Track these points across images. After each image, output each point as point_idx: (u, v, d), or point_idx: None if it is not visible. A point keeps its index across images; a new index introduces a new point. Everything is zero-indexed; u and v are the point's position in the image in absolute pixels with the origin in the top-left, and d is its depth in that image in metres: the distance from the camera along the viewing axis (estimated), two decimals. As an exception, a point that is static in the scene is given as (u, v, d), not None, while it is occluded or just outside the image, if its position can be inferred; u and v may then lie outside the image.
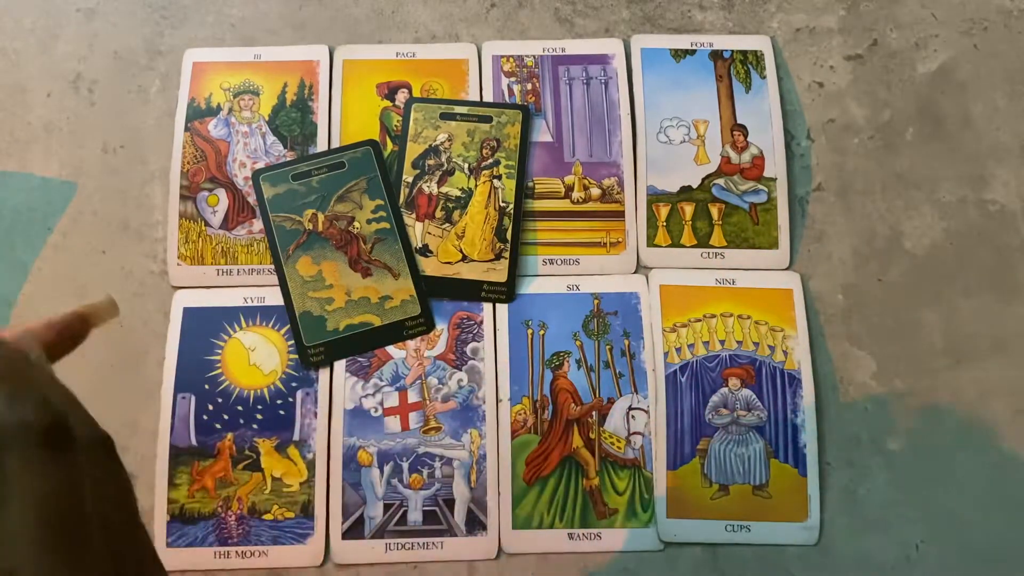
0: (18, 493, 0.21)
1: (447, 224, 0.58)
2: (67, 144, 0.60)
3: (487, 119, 0.59)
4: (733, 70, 0.61)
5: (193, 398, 0.54)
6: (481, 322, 0.56)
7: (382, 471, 0.53)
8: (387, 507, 0.53)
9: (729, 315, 0.56)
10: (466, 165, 0.59)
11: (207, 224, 0.58)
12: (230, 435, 0.54)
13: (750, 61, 0.61)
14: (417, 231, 0.58)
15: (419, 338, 0.56)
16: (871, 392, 0.55)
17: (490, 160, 0.59)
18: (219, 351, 0.55)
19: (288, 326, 0.55)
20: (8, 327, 0.27)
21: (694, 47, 0.62)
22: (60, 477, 0.22)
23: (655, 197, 0.59)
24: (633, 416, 0.55)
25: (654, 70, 0.61)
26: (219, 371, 0.55)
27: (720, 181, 0.59)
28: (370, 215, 0.57)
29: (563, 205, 0.59)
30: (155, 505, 0.53)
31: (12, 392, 0.22)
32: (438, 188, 0.58)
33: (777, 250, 0.58)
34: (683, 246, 0.58)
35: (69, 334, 0.29)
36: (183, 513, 0.53)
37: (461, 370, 0.55)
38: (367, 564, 0.52)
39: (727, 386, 0.55)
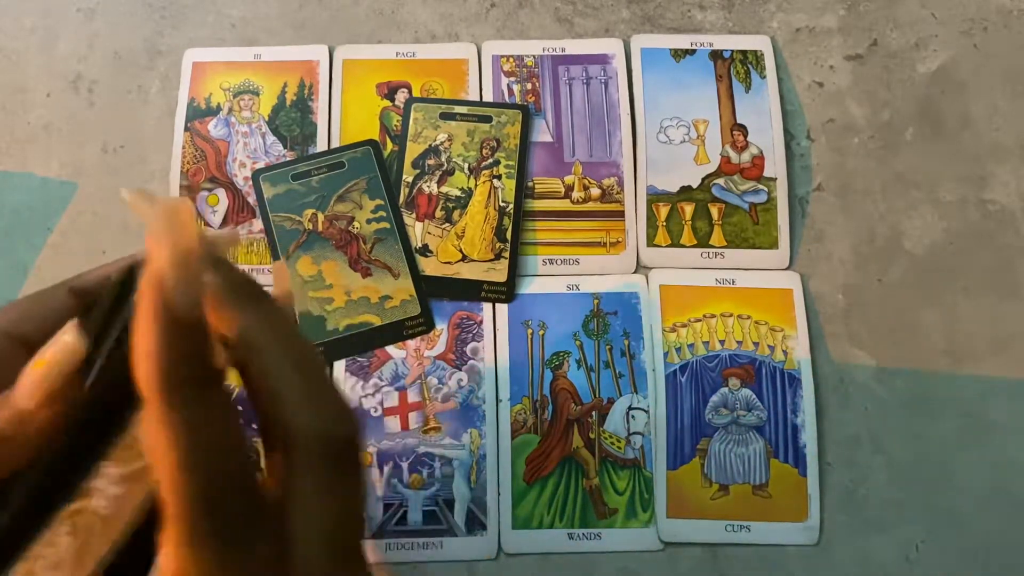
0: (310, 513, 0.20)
1: (447, 224, 0.58)
2: (67, 144, 0.60)
3: (487, 119, 0.59)
4: (733, 70, 0.61)
5: (193, 398, 0.54)
6: (481, 322, 0.56)
7: (382, 471, 0.53)
8: (387, 507, 0.53)
9: (729, 315, 0.56)
10: (466, 165, 0.59)
11: (207, 224, 0.58)
12: (230, 435, 0.54)
13: (750, 61, 0.61)
14: (417, 231, 0.58)
15: (419, 338, 0.56)
16: (871, 392, 0.55)
17: (490, 160, 0.59)
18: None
19: (288, 326, 0.55)
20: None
21: (694, 47, 0.62)
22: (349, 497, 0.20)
23: (655, 197, 0.59)
24: (633, 416, 0.55)
25: (654, 70, 0.61)
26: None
27: (720, 181, 0.59)
28: (370, 215, 0.57)
29: (563, 205, 0.59)
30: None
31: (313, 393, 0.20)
32: (438, 188, 0.58)
33: (777, 250, 0.58)
34: (683, 246, 0.58)
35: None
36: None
37: (461, 370, 0.55)
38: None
39: (727, 386, 0.55)
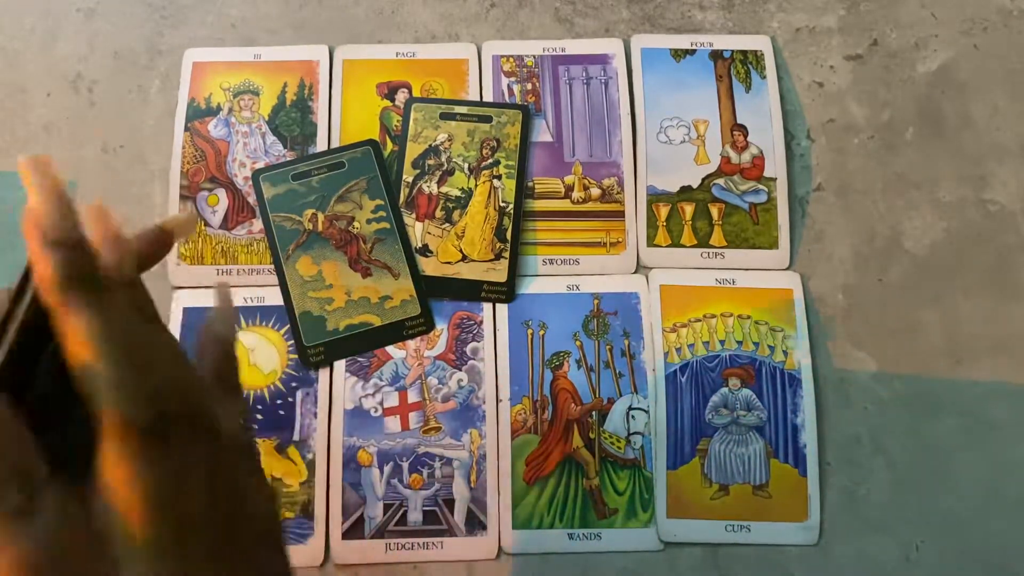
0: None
1: (447, 224, 0.58)
2: (67, 144, 0.60)
3: (487, 119, 0.59)
4: (733, 70, 0.61)
5: (193, 398, 0.54)
6: (481, 322, 0.56)
7: (382, 471, 0.53)
8: (387, 507, 0.53)
9: (729, 315, 0.56)
10: (466, 165, 0.59)
11: (207, 224, 0.58)
12: (230, 435, 0.54)
13: (750, 61, 0.61)
14: (417, 231, 0.58)
15: (419, 338, 0.56)
16: (871, 392, 0.55)
17: (490, 160, 0.59)
18: (219, 351, 0.55)
19: (288, 326, 0.55)
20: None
21: (694, 47, 0.62)
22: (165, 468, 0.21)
23: (655, 197, 0.59)
24: (633, 416, 0.55)
25: (654, 70, 0.61)
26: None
27: (720, 181, 0.59)
28: (370, 215, 0.57)
29: (563, 205, 0.59)
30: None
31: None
32: (438, 188, 0.58)
33: (777, 250, 0.58)
34: (683, 246, 0.58)
35: (157, 247, 0.27)
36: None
37: (461, 370, 0.55)
38: (367, 564, 0.52)
39: (727, 386, 0.55)
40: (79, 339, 0.21)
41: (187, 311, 0.56)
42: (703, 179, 0.59)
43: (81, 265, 0.21)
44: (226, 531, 0.23)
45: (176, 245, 0.57)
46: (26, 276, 0.23)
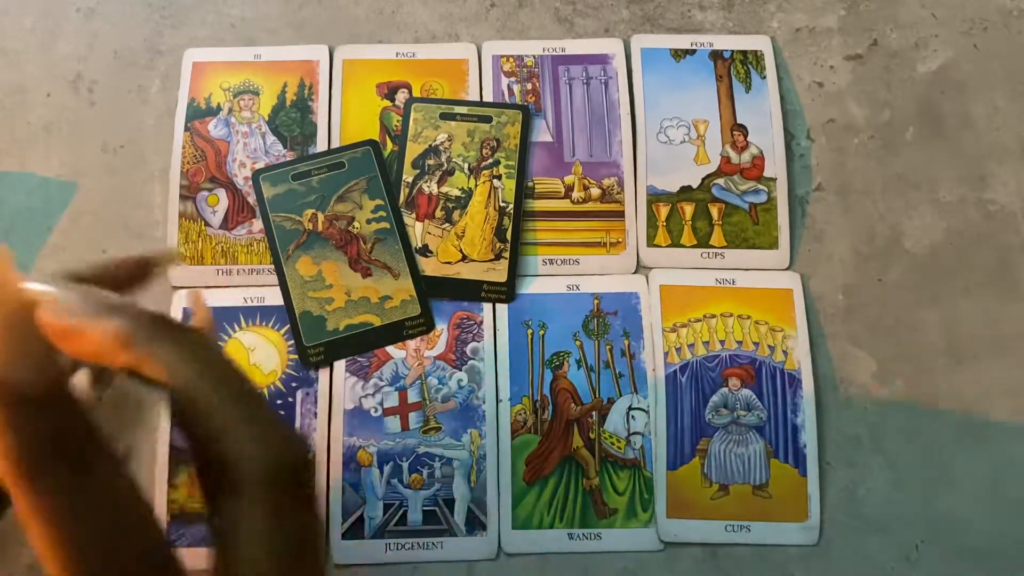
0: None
1: (447, 224, 0.58)
2: (67, 144, 0.60)
3: (487, 119, 0.59)
4: (733, 70, 0.61)
5: (193, 398, 0.54)
6: (481, 322, 0.56)
7: (382, 471, 0.53)
8: (387, 507, 0.53)
9: (729, 315, 0.56)
10: (466, 165, 0.59)
11: (207, 224, 0.58)
12: (230, 435, 0.54)
13: (750, 61, 0.61)
14: (417, 231, 0.58)
15: (419, 338, 0.56)
16: (871, 392, 0.55)
17: (490, 160, 0.59)
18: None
19: (288, 326, 0.55)
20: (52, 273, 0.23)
21: (694, 47, 0.62)
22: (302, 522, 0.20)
23: (655, 197, 0.59)
24: (633, 416, 0.55)
25: (654, 70, 0.61)
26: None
27: (720, 181, 0.59)
28: (370, 215, 0.57)
29: (563, 205, 0.59)
30: (155, 505, 0.52)
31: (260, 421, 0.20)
32: (438, 188, 0.58)
33: (777, 250, 0.58)
34: (683, 246, 0.58)
35: (138, 277, 0.26)
36: (183, 513, 0.53)
37: (461, 370, 0.55)
38: (367, 564, 0.52)
39: (727, 386, 0.55)
40: (189, 384, 0.20)
41: (187, 311, 0.56)
42: (703, 179, 0.59)
43: (154, 317, 0.20)
44: (313, 568, 0.22)
45: (176, 246, 0.57)
46: None
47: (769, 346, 0.55)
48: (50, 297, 0.20)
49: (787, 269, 0.57)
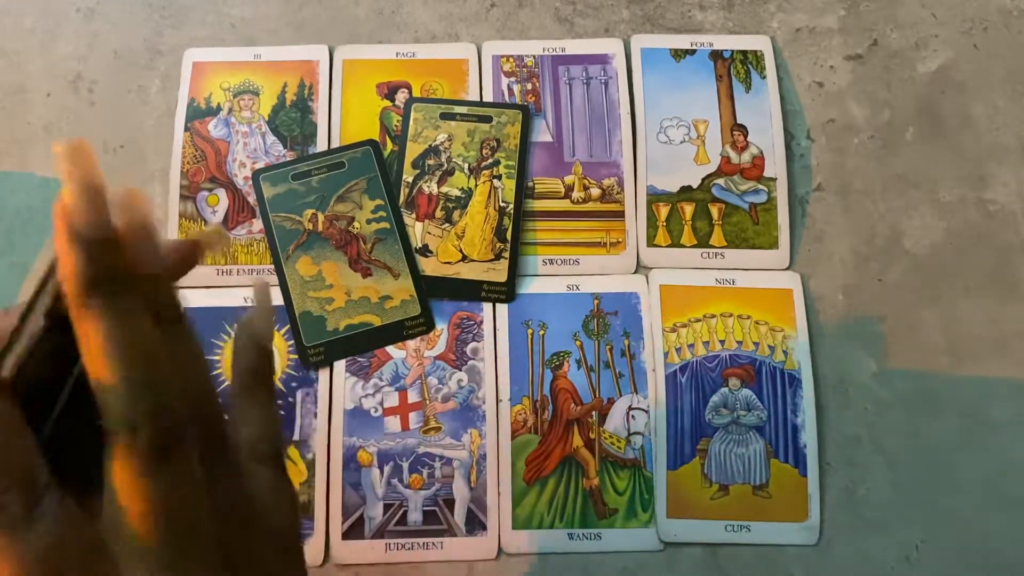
0: None
1: (447, 224, 0.58)
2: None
3: (487, 119, 0.59)
4: (733, 70, 0.61)
5: (193, 398, 0.54)
6: (481, 322, 0.56)
7: (382, 471, 0.53)
8: (387, 507, 0.53)
9: (729, 315, 0.56)
10: (466, 165, 0.59)
11: (207, 224, 0.58)
12: (230, 435, 0.54)
13: (750, 61, 0.61)
14: (417, 231, 0.58)
15: (419, 338, 0.56)
16: (871, 392, 0.55)
17: (490, 160, 0.59)
18: (219, 351, 0.55)
19: (288, 326, 0.55)
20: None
21: (694, 47, 0.62)
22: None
23: (655, 197, 0.59)
24: (633, 416, 0.55)
25: (654, 70, 0.61)
26: (219, 371, 0.55)
27: (720, 181, 0.59)
28: (370, 215, 0.57)
29: (563, 205, 0.59)
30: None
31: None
32: (438, 188, 0.58)
33: (777, 250, 0.58)
34: (683, 246, 0.58)
35: (188, 261, 0.26)
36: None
37: (461, 370, 0.55)
38: (367, 564, 0.52)
39: (727, 386, 0.55)
40: (92, 348, 0.20)
41: (186, 311, 0.56)
42: (703, 179, 0.59)
43: (106, 266, 0.20)
44: (237, 545, 0.23)
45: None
46: (50, 272, 0.21)
47: (769, 346, 0.55)
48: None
49: (787, 269, 0.57)
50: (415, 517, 0.53)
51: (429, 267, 0.57)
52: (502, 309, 0.56)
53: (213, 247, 0.27)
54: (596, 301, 0.57)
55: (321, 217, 0.57)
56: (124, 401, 0.20)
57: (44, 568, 0.19)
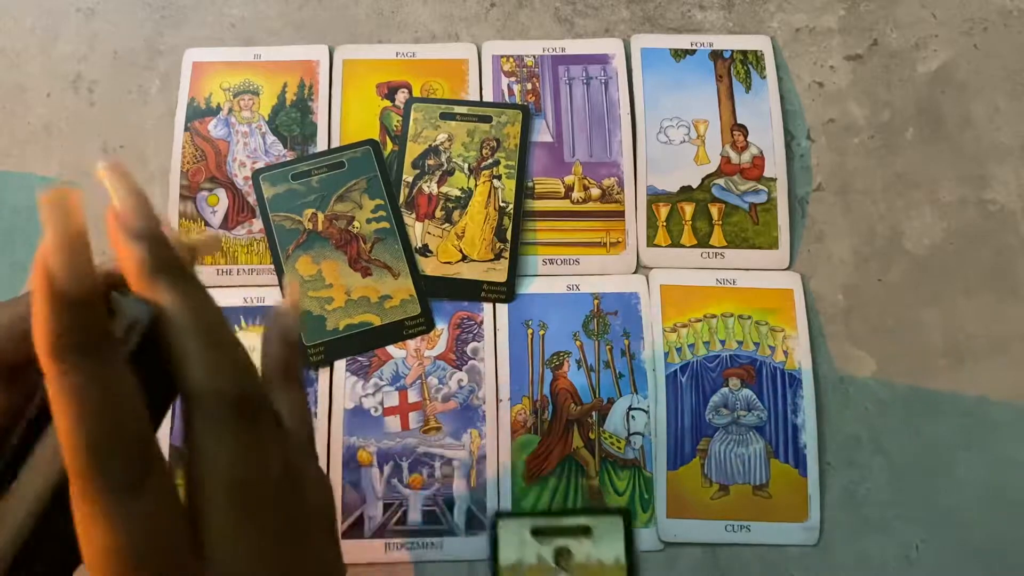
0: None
1: (447, 224, 0.58)
2: (67, 144, 0.60)
3: (487, 119, 0.59)
4: (733, 70, 0.61)
5: (193, 398, 0.54)
6: (481, 322, 0.56)
7: (382, 471, 0.53)
8: (387, 507, 0.53)
9: (729, 315, 0.56)
10: (466, 165, 0.59)
11: (207, 224, 0.58)
12: (230, 435, 0.54)
13: (750, 61, 0.61)
14: (417, 231, 0.58)
15: (419, 338, 0.56)
16: (871, 392, 0.55)
17: (490, 160, 0.59)
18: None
19: (288, 326, 0.55)
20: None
21: (694, 47, 0.62)
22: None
23: (655, 197, 0.59)
24: (633, 416, 0.55)
25: (654, 70, 0.61)
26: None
27: (720, 181, 0.59)
28: (370, 215, 0.57)
29: (563, 205, 0.59)
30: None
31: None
32: (438, 188, 0.58)
33: (777, 250, 0.58)
34: (683, 246, 0.58)
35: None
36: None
37: (461, 370, 0.55)
38: (366, 564, 0.52)
39: (727, 386, 0.55)
40: (172, 318, 0.22)
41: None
42: (703, 179, 0.59)
43: (167, 255, 0.22)
44: (293, 518, 0.24)
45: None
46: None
47: (769, 346, 0.55)
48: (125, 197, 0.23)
49: (787, 269, 0.57)
50: (415, 517, 0.53)
51: (429, 267, 0.57)
52: (502, 309, 0.56)
53: (206, 251, 0.29)
54: (596, 301, 0.57)
55: (321, 217, 0.57)
56: (212, 360, 0.22)
57: (142, 539, 0.20)
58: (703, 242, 0.58)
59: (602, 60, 0.61)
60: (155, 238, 0.22)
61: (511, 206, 0.58)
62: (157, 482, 0.21)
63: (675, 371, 0.55)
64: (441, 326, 0.56)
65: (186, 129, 0.60)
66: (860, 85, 0.61)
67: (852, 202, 0.59)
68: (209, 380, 0.22)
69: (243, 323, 0.56)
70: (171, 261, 0.22)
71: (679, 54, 0.61)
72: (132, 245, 0.22)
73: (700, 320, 0.56)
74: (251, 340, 0.56)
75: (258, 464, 0.22)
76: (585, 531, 0.50)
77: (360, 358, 0.55)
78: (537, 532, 0.51)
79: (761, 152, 0.59)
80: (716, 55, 0.61)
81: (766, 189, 0.59)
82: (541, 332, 0.56)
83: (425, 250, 0.57)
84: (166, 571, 0.20)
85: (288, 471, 0.24)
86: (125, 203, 0.22)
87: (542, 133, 0.60)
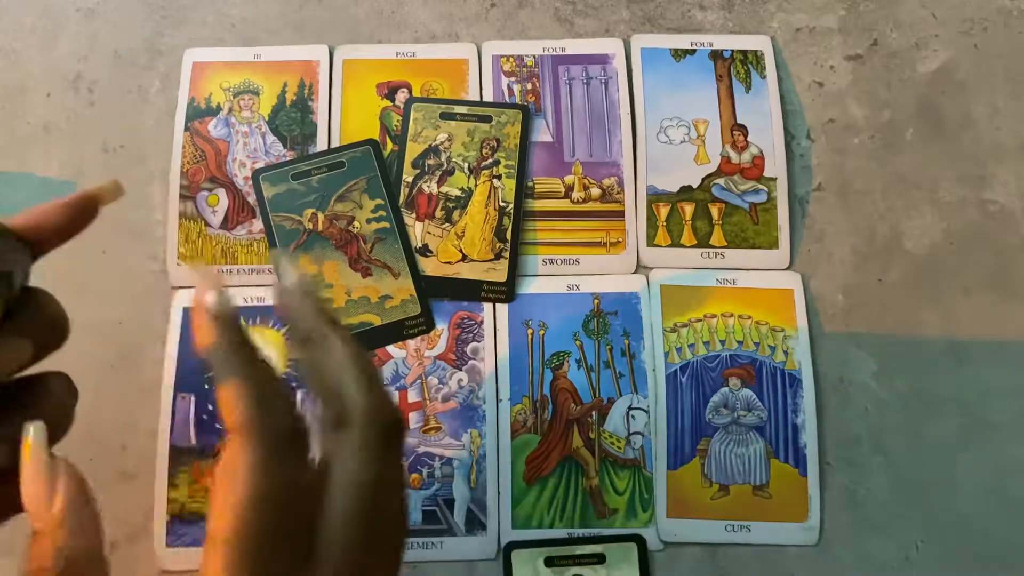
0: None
1: (447, 224, 0.58)
2: (67, 144, 0.60)
3: (487, 119, 0.59)
4: (733, 70, 0.61)
5: (193, 398, 0.54)
6: (481, 322, 0.56)
7: (382, 471, 0.53)
8: (387, 507, 0.53)
9: (729, 315, 0.56)
10: (466, 165, 0.59)
11: (207, 224, 0.58)
12: (230, 435, 0.54)
13: (750, 61, 0.61)
14: (417, 231, 0.58)
15: (419, 338, 0.56)
16: (871, 392, 0.55)
17: (490, 160, 0.59)
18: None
19: (288, 326, 0.55)
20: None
21: (694, 47, 0.62)
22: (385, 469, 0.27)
23: (655, 197, 0.59)
24: (633, 416, 0.55)
25: (654, 70, 0.61)
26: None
27: (720, 181, 0.59)
28: (370, 215, 0.57)
29: (563, 205, 0.59)
30: (155, 505, 0.52)
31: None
32: (438, 188, 0.58)
33: (777, 250, 0.58)
34: (683, 246, 0.58)
35: (80, 215, 0.29)
36: (183, 513, 0.53)
37: (461, 370, 0.55)
38: (367, 564, 0.52)
39: (727, 386, 0.55)
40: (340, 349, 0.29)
41: (187, 311, 0.56)
42: (703, 179, 0.59)
43: (241, 335, 0.28)
44: (395, 521, 0.27)
45: (176, 246, 0.57)
46: None
47: (769, 346, 0.55)
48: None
49: (787, 269, 0.57)
50: (415, 517, 0.53)
51: (429, 267, 0.57)
52: (502, 309, 0.56)
53: (108, 199, 0.31)
54: (596, 301, 0.57)
55: (321, 217, 0.57)
56: (377, 395, 0.28)
57: (281, 497, 0.24)
58: (703, 242, 0.58)
59: (602, 60, 0.61)
60: (230, 319, 0.29)
61: (511, 206, 0.58)
62: (303, 442, 0.25)
63: (675, 371, 0.55)
64: (441, 326, 0.56)
65: (186, 129, 0.60)
66: (860, 85, 0.61)
67: (852, 202, 0.59)
68: (372, 402, 0.27)
69: (243, 323, 0.56)
70: (244, 338, 0.28)
71: (679, 54, 0.61)
72: (212, 324, 0.28)
73: (700, 320, 0.56)
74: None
75: (391, 487, 0.27)
76: (599, 559, 0.50)
77: (360, 358, 0.55)
78: (551, 562, 0.51)
79: (761, 152, 0.59)
80: (716, 55, 0.61)
81: (766, 189, 0.59)
82: (541, 332, 0.56)
83: (425, 250, 0.57)
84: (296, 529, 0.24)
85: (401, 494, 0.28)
86: (207, 297, 0.29)
87: (542, 133, 0.60)
